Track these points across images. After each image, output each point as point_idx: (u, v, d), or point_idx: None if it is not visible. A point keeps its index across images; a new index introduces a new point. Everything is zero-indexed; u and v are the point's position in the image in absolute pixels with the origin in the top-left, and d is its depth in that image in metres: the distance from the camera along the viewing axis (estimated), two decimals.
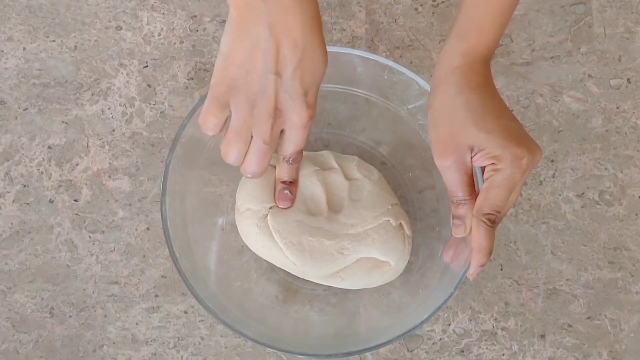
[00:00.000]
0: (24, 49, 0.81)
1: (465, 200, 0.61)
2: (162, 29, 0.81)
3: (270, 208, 0.69)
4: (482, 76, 0.60)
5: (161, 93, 0.80)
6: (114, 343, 0.76)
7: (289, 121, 0.61)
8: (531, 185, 0.79)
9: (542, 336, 0.77)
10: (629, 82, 0.81)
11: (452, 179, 0.61)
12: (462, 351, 0.76)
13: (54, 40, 0.81)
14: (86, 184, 0.78)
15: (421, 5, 0.82)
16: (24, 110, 0.80)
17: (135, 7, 0.82)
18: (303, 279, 0.72)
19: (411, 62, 0.81)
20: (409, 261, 0.72)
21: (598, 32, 0.82)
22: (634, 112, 0.80)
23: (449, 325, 0.77)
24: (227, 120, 0.62)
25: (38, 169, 0.79)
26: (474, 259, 0.61)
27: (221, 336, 0.76)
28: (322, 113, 0.77)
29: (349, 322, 0.74)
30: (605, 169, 0.79)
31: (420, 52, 0.81)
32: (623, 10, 0.82)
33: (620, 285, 0.77)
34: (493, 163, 0.58)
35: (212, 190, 0.75)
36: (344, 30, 0.81)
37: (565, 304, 0.77)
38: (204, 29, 0.81)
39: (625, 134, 0.80)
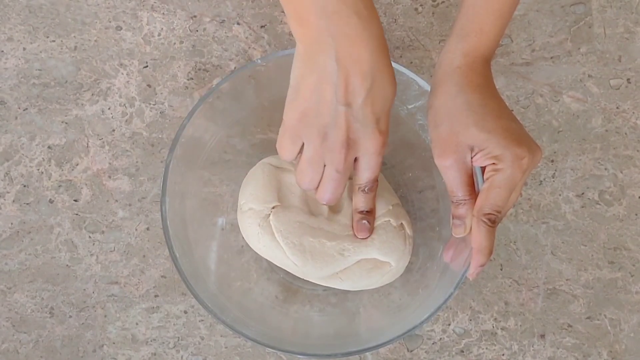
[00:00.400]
0: (24, 49, 0.81)
1: (465, 200, 0.61)
2: (162, 29, 0.81)
3: (273, 208, 0.69)
4: (482, 76, 0.60)
5: (161, 93, 0.80)
6: (114, 343, 0.76)
7: (363, 149, 0.61)
8: (531, 185, 0.79)
9: (542, 336, 0.77)
10: (629, 82, 0.81)
11: (452, 179, 0.61)
12: (462, 351, 0.76)
13: (54, 41, 0.81)
14: (86, 184, 0.78)
15: (421, 5, 0.82)
16: (24, 110, 0.80)
17: (135, 7, 0.82)
18: (303, 279, 0.72)
19: (411, 62, 0.81)
20: (409, 261, 0.72)
21: (598, 32, 0.82)
22: (633, 112, 0.80)
23: (449, 325, 0.77)
24: (301, 148, 0.62)
25: (38, 169, 0.79)
26: (474, 259, 0.61)
27: (221, 336, 0.76)
28: None
29: (349, 322, 0.74)
30: (605, 169, 0.79)
31: (420, 52, 0.81)
32: (623, 11, 0.82)
33: (620, 285, 0.77)
34: (493, 163, 0.59)
35: (212, 190, 0.75)
36: None
37: (565, 304, 0.77)
38: (204, 29, 0.81)
39: (625, 134, 0.80)
